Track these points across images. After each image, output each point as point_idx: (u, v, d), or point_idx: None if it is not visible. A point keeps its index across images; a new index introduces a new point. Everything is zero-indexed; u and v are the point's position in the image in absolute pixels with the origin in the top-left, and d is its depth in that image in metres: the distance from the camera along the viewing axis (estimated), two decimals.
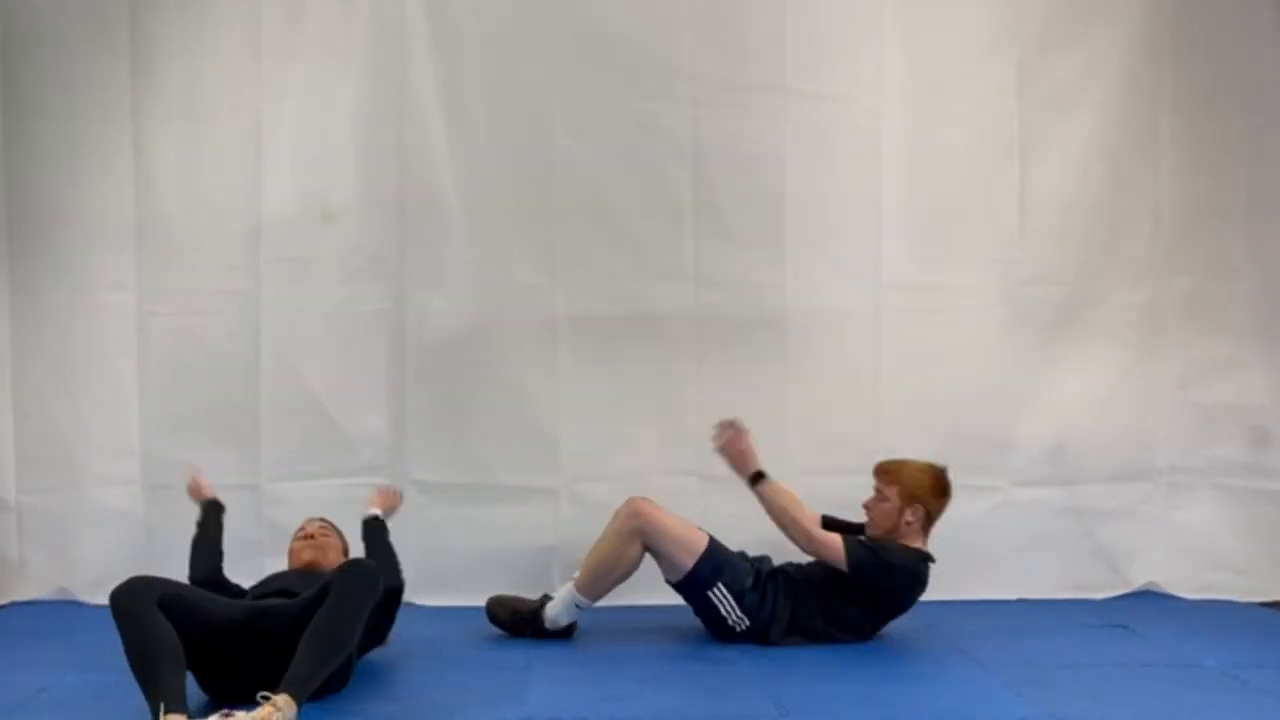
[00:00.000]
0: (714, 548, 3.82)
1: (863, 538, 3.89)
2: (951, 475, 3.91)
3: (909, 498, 3.85)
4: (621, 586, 3.90)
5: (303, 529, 3.78)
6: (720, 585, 3.78)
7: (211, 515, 3.82)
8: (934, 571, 4.49)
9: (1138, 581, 4.58)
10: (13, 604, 4.42)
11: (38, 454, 4.49)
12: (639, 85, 4.48)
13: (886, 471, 3.91)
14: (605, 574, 3.83)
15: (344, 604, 2.97)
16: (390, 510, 4.01)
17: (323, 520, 3.84)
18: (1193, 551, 4.58)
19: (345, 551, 3.76)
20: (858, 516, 4.45)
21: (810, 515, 3.90)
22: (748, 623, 3.78)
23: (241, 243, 4.47)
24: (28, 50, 4.45)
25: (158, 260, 4.48)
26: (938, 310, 4.54)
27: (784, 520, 3.82)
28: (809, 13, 4.50)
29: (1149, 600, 4.51)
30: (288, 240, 4.47)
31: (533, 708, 3.12)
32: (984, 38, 4.54)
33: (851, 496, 4.48)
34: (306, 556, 3.64)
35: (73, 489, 4.49)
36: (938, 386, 4.52)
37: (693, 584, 3.80)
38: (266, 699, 2.72)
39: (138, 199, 4.48)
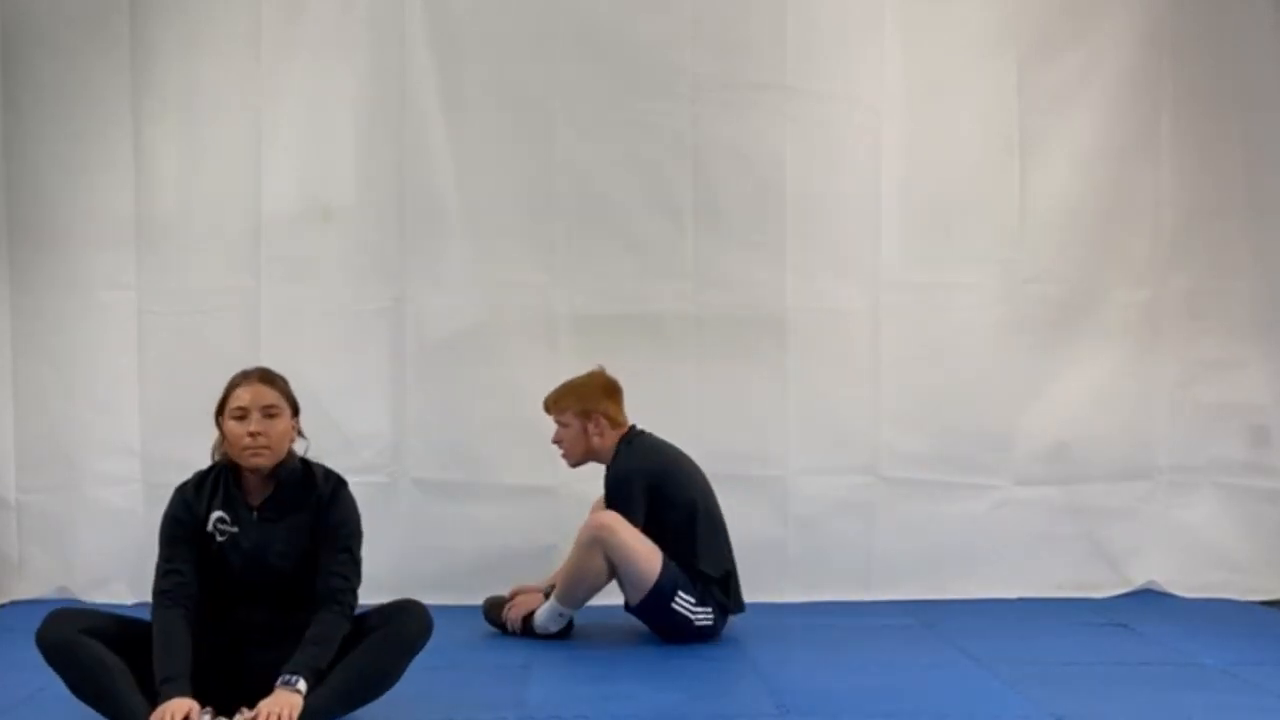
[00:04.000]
0: (668, 559, 3.77)
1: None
2: (611, 372, 4.00)
3: (584, 414, 3.92)
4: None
5: (243, 410, 2.90)
6: (680, 594, 3.75)
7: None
8: (935, 569, 4.50)
9: (1138, 580, 4.58)
10: (13, 603, 4.42)
11: (38, 453, 4.49)
12: (639, 85, 4.49)
13: (554, 403, 3.98)
14: (576, 584, 3.82)
15: (395, 649, 2.82)
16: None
17: (263, 380, 2.97)
18: (1193, 550, 4.58)
19: (295, 411, 3.01)
20: (856, 515, 4.44)
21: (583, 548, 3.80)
22: (710, 613, 3.77)
23: (242, 242, 4.46)
24: (28, 50, 4.45)
25: (158, 259, 4.48)
26: (938, 309, 4.54)
27: (588, 569, 3.77)
28: (809, 12, 4.51)
29: (1149, 599, 4.51)
30: (288, 239, 4.47)
31: (533, 706, 3.12)
32: (984, 37, 4.54)
33: (852, 496, 4.50)
34: (256, 462, 2.91)
35: (73, 488, 4.49)
36: (938, 386, 4.52)
37: (657, 598, 3.74)
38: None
39: (138, 198, 4.47)
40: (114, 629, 2.82)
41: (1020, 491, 4.55)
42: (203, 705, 2.68)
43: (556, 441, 4.00)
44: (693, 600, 3.75)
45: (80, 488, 4.49)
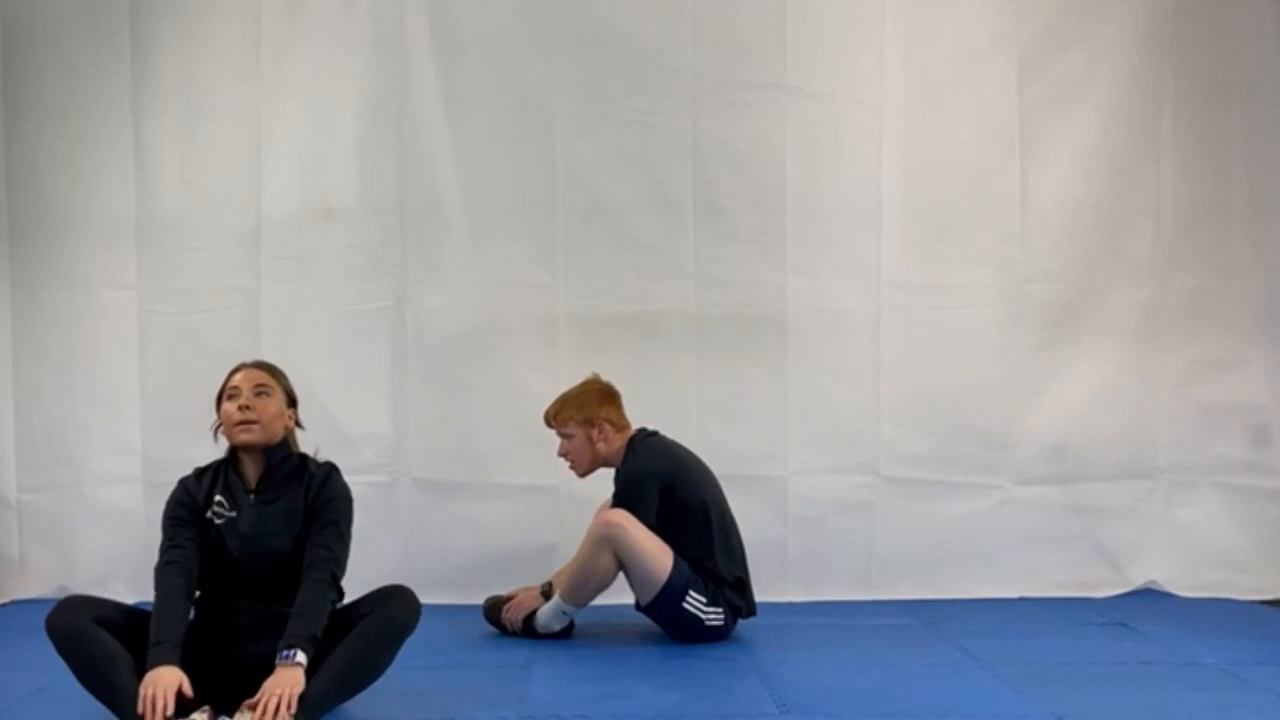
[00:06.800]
0: (679, 558, 3.76)
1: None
2: (612, 372, 4.01)
3: (586, 422, 3.91)
4: (621, 584, 3.89)
5: (236, 389, 3.03)
6: (691, 593, 3.75)
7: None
8: (935, 569, 4.50)
9: (1138, 580, 4.58)
10: (13, 603, 4.42)
11: (39, 452, 4.49)
12: (639, 85, 4.49)
13: (555, 416, 3.96)
14: (583, 583, 3.81)
15: (384, 634, 2.84)
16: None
17: (258, 367, 3.12)
18: (1193, 550, 4.58)
19: (291, 400, 3.13)
20: (856, 515, 4.45)
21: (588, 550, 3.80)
22: (721, 613, 3.78)
23: (242, 241, 4.46)
24: (28, 49, 4.45)
25: (158, 259, 4.48)
26: (938, 309, 4.54)
27: (595, 567, 3.75)
28: (809, 11, 4.50)
29: (1149, 598, 4.51)
30: (288, 238, 4.47)
31: (533, 706, 3.12)
32: (984, 36, 4.54)
33: (852, 496, 4.50)
34: (245, 438, 2.99)
35: (74, 487, 4.49)
36: (938, 385, 4.52)
37: (667, 598, 3.73)
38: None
39: (138, 197, 4.48)
40: (123, 620, 2.86)
41: (1020, 491, 4.55)
42: (199, 701, 2.70)
43: (563, 454, 3.99)
44: (704, 600, 3.75)
45: (80, 487, 4.49)
